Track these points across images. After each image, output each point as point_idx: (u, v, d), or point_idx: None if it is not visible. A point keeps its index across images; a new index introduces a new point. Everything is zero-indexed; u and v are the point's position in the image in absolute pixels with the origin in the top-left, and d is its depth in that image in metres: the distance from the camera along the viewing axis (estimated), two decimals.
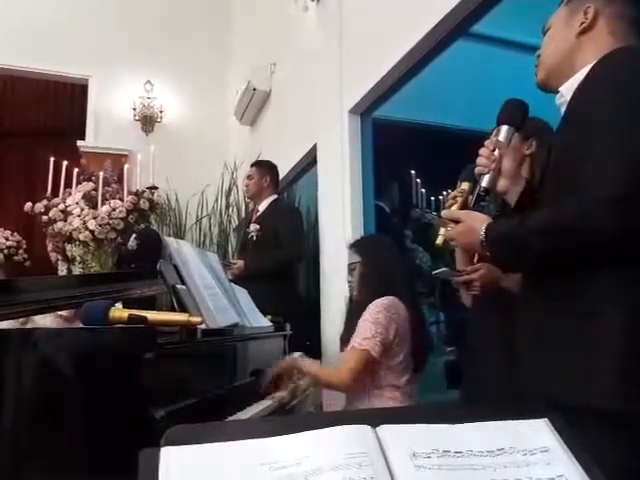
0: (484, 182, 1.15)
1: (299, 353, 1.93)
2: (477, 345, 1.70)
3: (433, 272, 1.75)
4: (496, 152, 1.14)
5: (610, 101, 0.94)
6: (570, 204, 0.96)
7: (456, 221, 1.15)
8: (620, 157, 0.90)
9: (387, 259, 2.01)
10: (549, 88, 1.16)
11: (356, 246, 2.10)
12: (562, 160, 1.04)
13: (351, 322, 1.97)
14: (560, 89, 1.09)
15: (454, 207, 1.23)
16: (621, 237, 0.91)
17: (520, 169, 1.18)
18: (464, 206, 1.23)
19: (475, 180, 1.31)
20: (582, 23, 1.10)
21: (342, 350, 2.02)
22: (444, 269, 1.71)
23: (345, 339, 1.97)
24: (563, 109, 1.08)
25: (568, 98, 1.06)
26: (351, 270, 2.08)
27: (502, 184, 1.14)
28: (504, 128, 1.18)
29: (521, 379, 1.07)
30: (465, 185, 1.27)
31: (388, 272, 1.96)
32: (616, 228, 0.90)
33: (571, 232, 0.95)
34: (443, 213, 1.20)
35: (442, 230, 1.23)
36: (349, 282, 2.13)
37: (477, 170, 1.17)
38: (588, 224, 0.92)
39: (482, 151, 1.16)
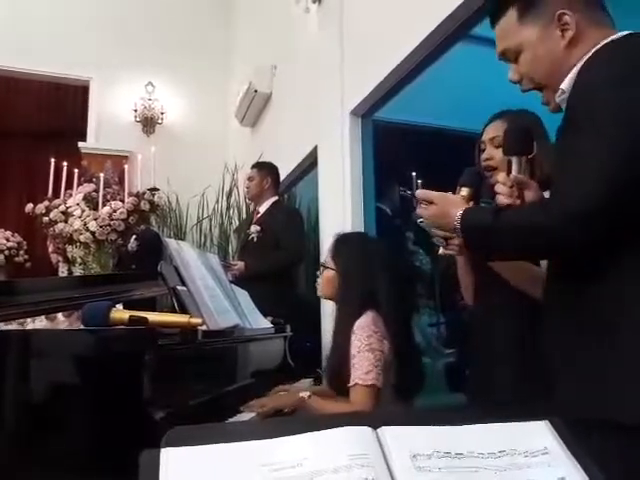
0: None
1: (306, 394, 1.74)
2: (481, 343, 1.68)
3: (418, 220, 1.65)
4: (514, 188, 1.12)
5: (594, 100, 0.92)
6: (538, 208, 0.99)
7: (429, 202, 1.16)
8: (597, 168, 0.89)
9: (360, 268, 1.82)
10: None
11: (334, 252, 1.92)
12: (556, 162, 1.04)
13: (338, 349, 1.80)
14: (561, 87, 1.05)
15: None
16: (585, 250, 0.94)
17: (541, 193, 1.16)
18: None
19: (475, 184, 1.30)
20: (563, 31, 1.04)
21: (328, 372, 1.88)
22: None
23: (335, 373, 1.81)
24: (564, 106, 1.05)
25: (567, 95, 1.03)
26: (323, 269, 1.92)
27: None
28: (515, 160, 1.14)
29: (554, 394, 1.04)
30: (464, 191, 1.26)
31: (363, 285, 1.80)
32: (579, 242, 0.93)
33: (529, 236, 0.98)
34: (417, 193, 1.19)
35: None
36: (318, 281, 1.96)
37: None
38: (553, 234, 0.94)
39: (500, 189, 1.13)
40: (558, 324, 1.05)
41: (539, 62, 1.08)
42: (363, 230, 2.93)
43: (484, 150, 1.59)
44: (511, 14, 1.10)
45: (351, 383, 1.69)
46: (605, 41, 1.00)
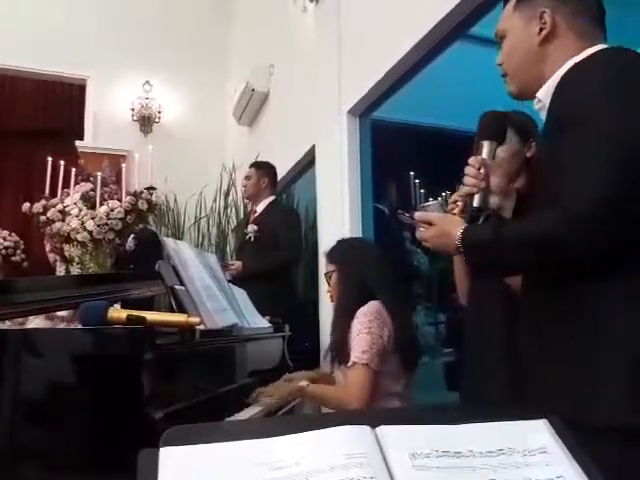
0: (475, 202, 1.14)
1: (305, 383, 1.79)
2: (474, 344, 1.71)
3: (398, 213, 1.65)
4: (482, 170, 1.12)
5: (592, 105, 0.92)
6: (548, 216, 0.95)
7: (429, 223, 1.14)
8: (599, 169, 0.88)
9: (360, 263, 1.95)
10: (522, 98, 1.15)
11: (329, 255, 2.07)
12: (547, 168, 1.02)
13: (336, 332, 1.91)
14: (537, 95, 1.07)
15: (456, 211, 1.23)
16: (596, 253, 0.91)
17: (509, 183, 1.16)
18: (465, 209, 1.23)
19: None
20: (541, 29, 1.07)
21: (333, 364, 1.95)
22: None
23: (336, 352, 1.89)
24: (543, 114, 1.07)
25: (547, 103, 1.04)
26: (328, 279, 2.05)
27: (494, 201, 1.14)
28: (485, 144, 1.16)
29: (530, 395, 1.03)
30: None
31: (362, 277, 1.91)
32: (590, 245, 0.90)
33: (546, 246, 0.94)
34: (416, 215, 1.18)
35: None
36: (328, 292, 2.09)
37: (466, 190, 1.15)
38: (562, 240, 0.91)
39: (468, 170, 1.14)
40: (539, 325, 1.04)
41: (513, 51, 1.13)
42: (361, 230, 2.94)
43: None
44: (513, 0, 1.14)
45: (349, 363, 1.76)
46: (590, 51, 1.01)
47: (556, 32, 1.06)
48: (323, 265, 3.24)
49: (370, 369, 1.73)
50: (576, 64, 1.00)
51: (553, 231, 0.93)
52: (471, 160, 1.15)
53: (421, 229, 1.15)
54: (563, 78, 1.00)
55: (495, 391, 1.50)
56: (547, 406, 0.95)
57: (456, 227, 1.06)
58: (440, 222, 1.12)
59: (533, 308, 1.06)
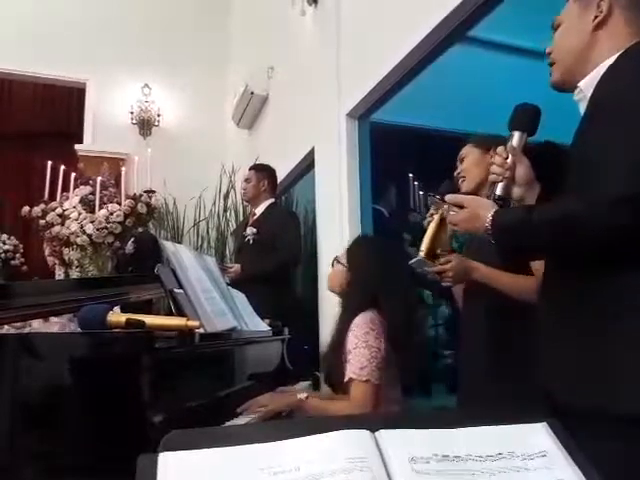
0: (498, 190, 1.15)
1: (304, 395, 1.72)
2: (466, 346, 1.73)
3: (409, 262, 1.69)
4: (509, 159, 1.13)
5: (635, 96, 0.92)
6: (581, 200, 0.95)
7: (460, 206, 1.15)
8: (637, 156, 0.89)
9: (371, 269, 1.86)
10: (564, 87, 1.13)
11: (348, 249, 1.98)
12: (584, 157, 1.02)
13: (335, 336, 1.85)
14: (579, 84, 1.07)
15: (432, 225, 1.36)
16: (628, 238, 0.91)
17: (533, 174, 1.16)
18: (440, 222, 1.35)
19: (451, 192, 1.34)
20: (596, 17, 1.06)
21: (325, 368, 1.90)
22: (418, 258, 1.65)
23: (331, 360, 1.83)
24: (582, 105, 1.06)
25: (588, 95, 1.03)
26: (335, 263, 1.97)
27: (517, 191, 1.14)
28: (516, 134, 1.17)
29: (544, 382, 1.04)
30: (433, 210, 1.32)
31: (370, 285, 1.84)
32: (623, 228, 0.90)
33: (578, 228, 0.94)
34: (447, 198, 1.21)
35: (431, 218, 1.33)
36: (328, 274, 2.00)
37: (491, 178, 1.17)
38: (595, 222, 0.92)
39: (495, 159, 1.15)
40: (558, 316, 1.04)
41: (566, 36, 1.12)
42: (360, 232, 2.94)
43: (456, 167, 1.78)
44: None
45: (346, 378, 1.71)
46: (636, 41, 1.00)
47: (609, 20, 1.06)
48: (323, 266, 3.25)
49: (371, 384, 1.68)
50: (620, 56, 0.99)
51: (585, 213, 0.93)
52: (499, 149, 1.16)
53: (452, 212, 1.18)
54: (609, 69, 1.00)
55: (484, 392, 1.53)
56: (568, 395, 0.96)
57: (487, 210, 1.08)
58: (471, 205, 1.14)
59: (557, 299, 1.06)
